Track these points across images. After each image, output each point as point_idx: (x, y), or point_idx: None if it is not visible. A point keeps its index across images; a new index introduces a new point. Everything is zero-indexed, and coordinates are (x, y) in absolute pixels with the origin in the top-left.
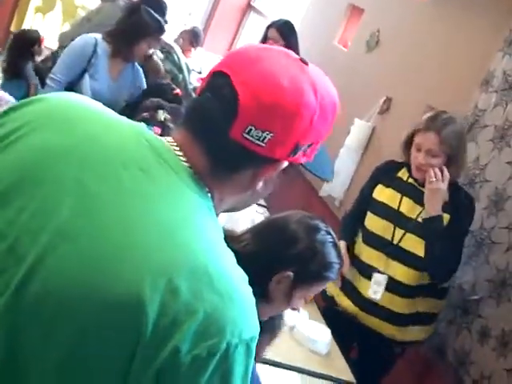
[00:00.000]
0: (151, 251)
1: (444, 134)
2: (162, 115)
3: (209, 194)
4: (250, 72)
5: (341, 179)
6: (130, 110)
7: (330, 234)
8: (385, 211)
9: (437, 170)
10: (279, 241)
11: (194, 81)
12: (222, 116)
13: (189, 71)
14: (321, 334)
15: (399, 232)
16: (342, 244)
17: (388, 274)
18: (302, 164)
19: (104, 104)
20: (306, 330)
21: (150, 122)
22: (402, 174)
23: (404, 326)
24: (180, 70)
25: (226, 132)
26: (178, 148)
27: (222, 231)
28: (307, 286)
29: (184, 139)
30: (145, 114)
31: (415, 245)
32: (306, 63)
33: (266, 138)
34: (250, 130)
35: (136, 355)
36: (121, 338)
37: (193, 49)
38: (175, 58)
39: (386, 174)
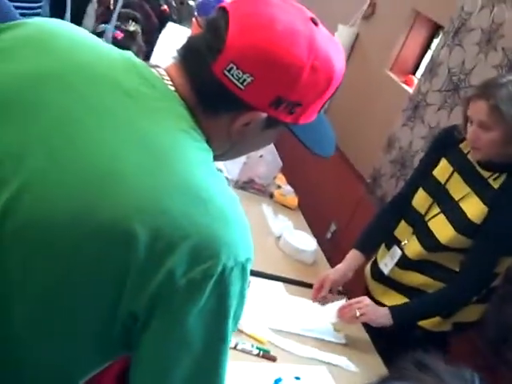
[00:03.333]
0: (140, 175)
1: (498, 99)
2: (132, 27)
3: (196, 124)
4: (251, 11)
5: None
6: None
7: None
8: (431, 184)
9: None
10: None
11: None
12: (209, 49)
13: None
14: (306, 244)
15: (435, 209)
16: (349, 256)
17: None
18: (292, 131)
19: None
20: (291, 240)
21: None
22: (465, 146)
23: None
24: None
25: (209, 66)
26: (168, 78)
27: (211, 154)
28: None
29: (174, 70)
30: (117, 22)
31: (441, 228)
32: (316, 23)
33: (245, 80)
34: (231, 68)
35: (128, 280)
36: (110, 263)
37: None
38: None
39: (448, 143)
